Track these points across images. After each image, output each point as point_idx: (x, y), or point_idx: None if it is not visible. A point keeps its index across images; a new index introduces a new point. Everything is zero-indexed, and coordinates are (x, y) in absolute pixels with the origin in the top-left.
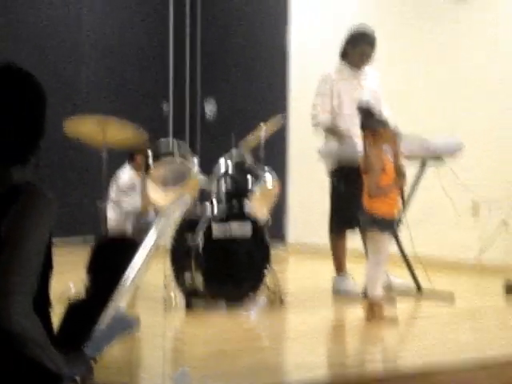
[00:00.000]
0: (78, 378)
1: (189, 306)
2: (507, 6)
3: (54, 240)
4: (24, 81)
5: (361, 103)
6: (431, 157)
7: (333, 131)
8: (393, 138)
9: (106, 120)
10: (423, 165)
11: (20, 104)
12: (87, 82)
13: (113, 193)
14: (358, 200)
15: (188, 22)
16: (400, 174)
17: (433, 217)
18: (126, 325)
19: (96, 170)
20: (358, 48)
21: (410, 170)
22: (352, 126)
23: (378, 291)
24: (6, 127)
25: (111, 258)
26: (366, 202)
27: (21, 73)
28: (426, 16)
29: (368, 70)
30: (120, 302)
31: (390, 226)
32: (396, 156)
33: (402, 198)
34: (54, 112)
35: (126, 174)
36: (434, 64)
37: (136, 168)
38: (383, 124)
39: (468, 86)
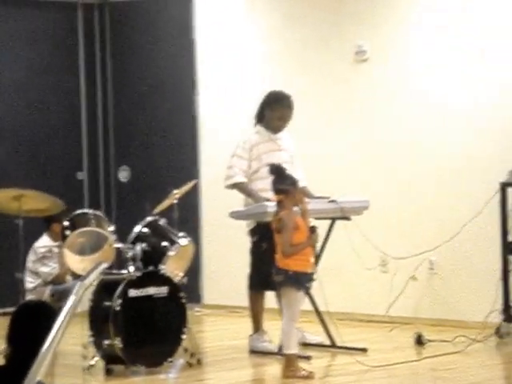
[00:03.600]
0: None
1: (108, 371)
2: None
3: None
4: None
5: (272, 165)
6: (339, 216)
7: (248, 192)
8: (302, 198)
9: (21, 192)
10: (332, 223)
11: None
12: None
13: (30, 262)
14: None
15: (99, 93)
16: (312, 232)
17: (343, 273)
18: None
19: (12, 241)
20: (276, 112)
21: (321, 228)
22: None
23: (293, 348)
24: None
25: (28, 326)
26: (279, 260)
27: None
28: (333, 76)
29: (283, 132)
30: (39, 370)
31: (302, 282)
32: (305, 215)
33: (315, 255)
34: None
35: (43, 243)
36: (345, 125)
37: (53, 237)
38: (293, 185)
39: (378, 146)
